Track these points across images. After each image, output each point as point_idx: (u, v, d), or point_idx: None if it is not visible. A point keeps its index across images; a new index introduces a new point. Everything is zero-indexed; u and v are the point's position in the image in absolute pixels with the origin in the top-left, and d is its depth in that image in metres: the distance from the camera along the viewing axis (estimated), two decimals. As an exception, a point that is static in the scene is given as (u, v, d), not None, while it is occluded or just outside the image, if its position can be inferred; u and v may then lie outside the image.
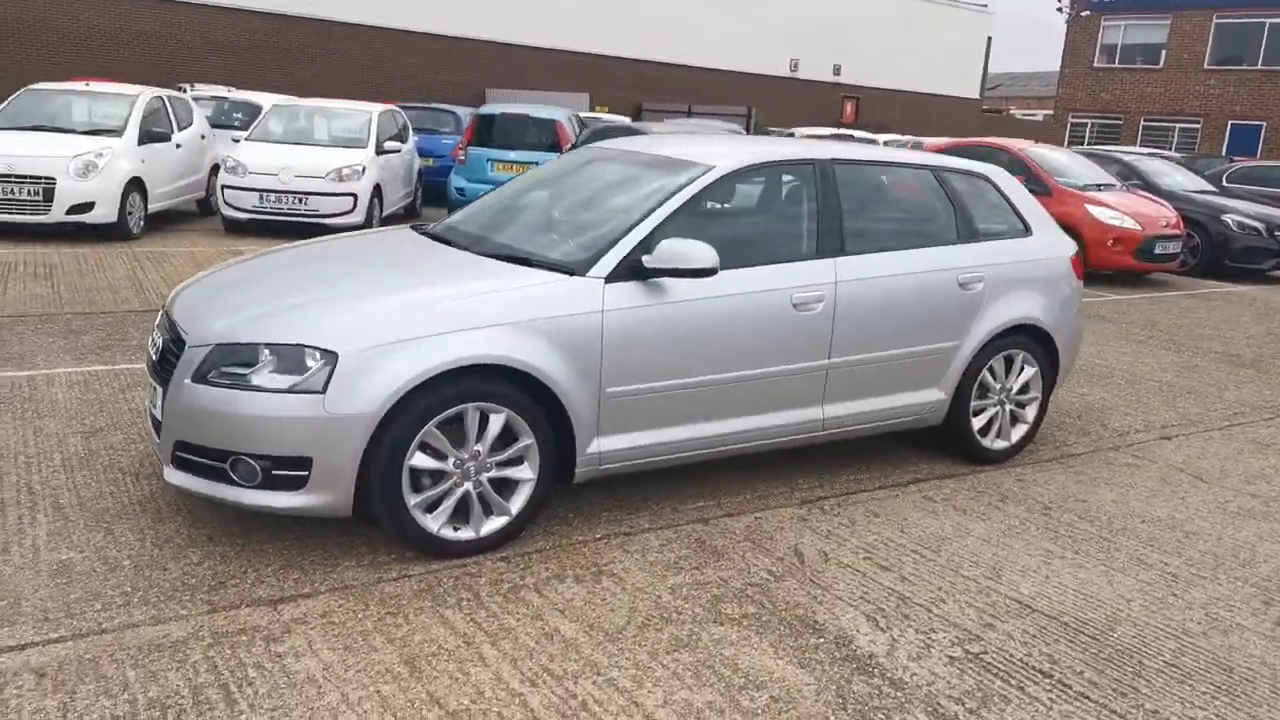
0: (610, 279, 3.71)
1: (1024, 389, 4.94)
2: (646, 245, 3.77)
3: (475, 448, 3.48)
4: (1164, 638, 3.26)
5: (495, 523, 3.59)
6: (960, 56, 43.24)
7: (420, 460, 3.38)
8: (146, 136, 10.69)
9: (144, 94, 11.06)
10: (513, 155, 12.57)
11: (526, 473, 3.60)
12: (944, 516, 4.19)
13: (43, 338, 6.13)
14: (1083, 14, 31.47)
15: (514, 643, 2.98)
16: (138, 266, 8.81)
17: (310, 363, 3.25)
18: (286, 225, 11.32)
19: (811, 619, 3.24)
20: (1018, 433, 4.98)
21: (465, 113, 15.88)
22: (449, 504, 3.48)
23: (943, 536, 3.98)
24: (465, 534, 3.53)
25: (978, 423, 4.81)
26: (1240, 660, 3.14)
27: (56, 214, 9.62)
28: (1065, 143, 32.10)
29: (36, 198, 9.58)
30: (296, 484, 3.27)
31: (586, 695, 2.73)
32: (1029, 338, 4.87)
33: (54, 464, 4.13)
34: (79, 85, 11.14)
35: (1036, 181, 11.81)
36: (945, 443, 4.91)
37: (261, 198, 10.84)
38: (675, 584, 3.43)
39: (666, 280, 3.81)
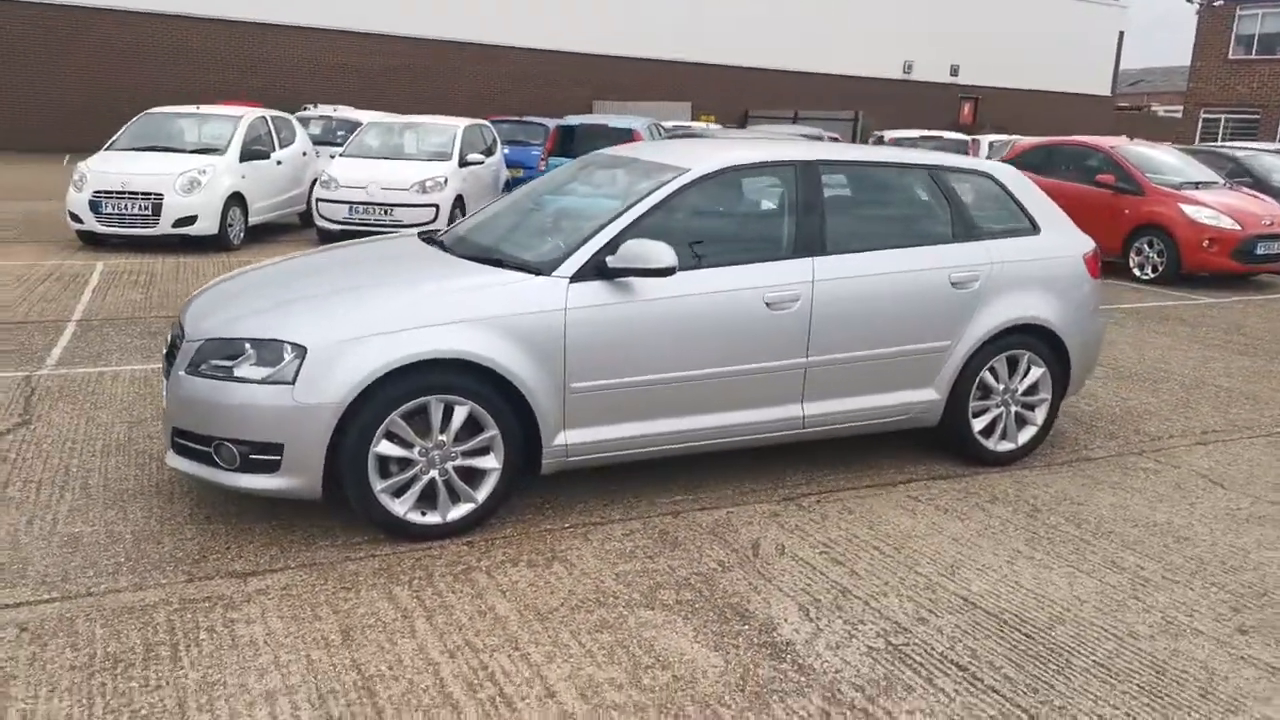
0: (576, 278, 3.87)
1: (1031, 390, 4.85)
2: (613, 246, 3.92)
3: (440, 438, 3.70)
4: (1104, 639, 3.19)
5: (461, 509, 3.80)
6: (1090, 52, 41.50)
7: (386, 448, 3.62)
8: (247, 154, 11.45)
9: (247, 115, 11.86)
10: (593, 164, 12.86)
11: (492, 462, 3.80)
12: (921, 515, 4.17)
13: (123, 338, 6.71)
14: (1215, 4, 29.73)
15: (448, 618, 3.18)
16: (229, 275, 9.48)
17: (283, 356, 3.54)
18: (374, 235, 11.90)
19: (743, 607, 3.32)
20: (1025, 435, 4.88)
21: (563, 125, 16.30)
22: (415, 490, 3.71)
23: (911, 534, 3.97)
24: (432, 519, 3.76)
25: (979, 424, 4.75)
26: (1179, 664, 3.06)
27: (164, 227, 10.44)
28: (1196, 139, 30.37)
29: (146, 212, 10.41)
30: (270, 468, 3.56)
31: (497, 667, 2.90)
32: (1035, 338, 4.77)
33: (95, 449, 4.57)
34: (190, 108, 12.03)
35: (1129, 180, 11.36)
36: (946, 444, 4.86)
37: (351, 209, 11.46)
38: (622, 571, 3.56)
39: (635, 280, 3.95)
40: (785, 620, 3.24)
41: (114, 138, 11.55)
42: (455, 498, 3.80)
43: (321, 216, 11.63)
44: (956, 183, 4.75)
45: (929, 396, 4.60)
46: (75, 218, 10.51)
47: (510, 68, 30.14)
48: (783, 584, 3.50)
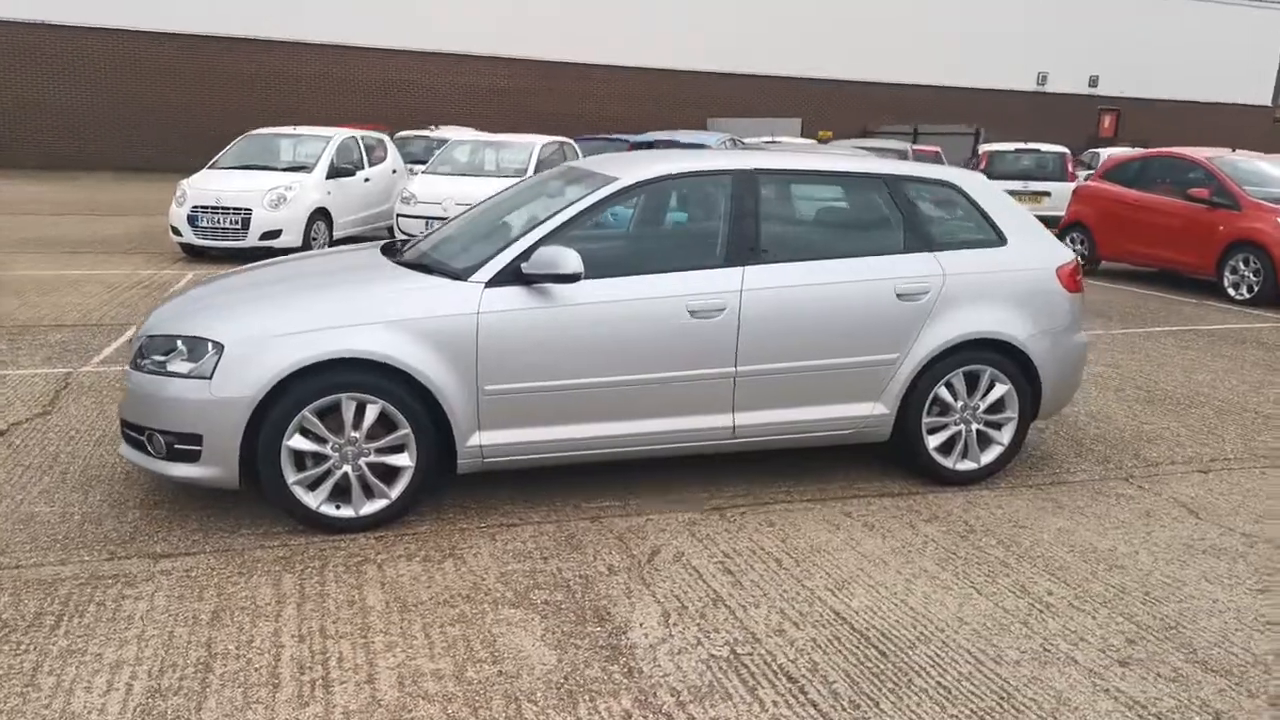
0: (492, 283, 3.99)
1: (995, 408, 4.66)
2: (528, 254, 4.02)
3: (352, 434, 3.88)
4: (963, 662, 3.06)
5: (375, 505, 3.96)
6: (1247, 59, 38.87)
7: (299, 442, 3.82)
8: (335, 171, 12.12)
9: (337, 135, 12.56)
10: (666, 180, 12.97)
11: (405, 460, 3.95)
12: (843, 530, 4.08)
13: (170, 341, 7.23)
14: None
15: (318, 605, 3.34)
16: (299, 285, 10.05)
17: (205, 352, 3.79)
18: (451, 249, 12.37)
19: (607, 610, 3.34)
20: (989, 455, 4.68)
21: (640, 141, 16.52)
22: (329, 484, 3.90)
23: (821, 549, 3.89)
24: (345, 512, 3.93)
25: (934, 440, 4.59)
26: (1030, 692, 2.90)
27: (251, 239, 11.16)
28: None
29: (237, 226, 11.16)
30: (191, 457, 3.81)
31: (336, 653, 3.03)
32: (998, 353, 4.59)
33: (91, 439, 4.98)
34: (289, 129, 12.83)
35: (1225, 194, 10.65)
36: (900, 461, 4.72)
37: (427, 224, 11.94)
38: (509, 570, 3.64)
39: (555, 286, 4.04)
40: (640, 625, 3.25)
41: (217, 156, 12.43)
42: (370, 493, 3.96)
43: (401, 231, 12.17)
44: (914, 193, 4.63)
45: (875, 411, 4.48)
46: (175, 231, 11.37)
47: (625, 87, 30.65)
48: (659, 590, 3.50)
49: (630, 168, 4.39)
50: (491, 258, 4.06)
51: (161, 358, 3.88)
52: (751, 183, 4.39)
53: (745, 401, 4.30)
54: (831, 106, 32.40)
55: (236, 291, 4.15)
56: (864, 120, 32.47)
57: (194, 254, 11.72)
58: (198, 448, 3.79)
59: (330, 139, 12.41)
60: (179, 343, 3.87)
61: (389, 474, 3.98)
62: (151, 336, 3.96)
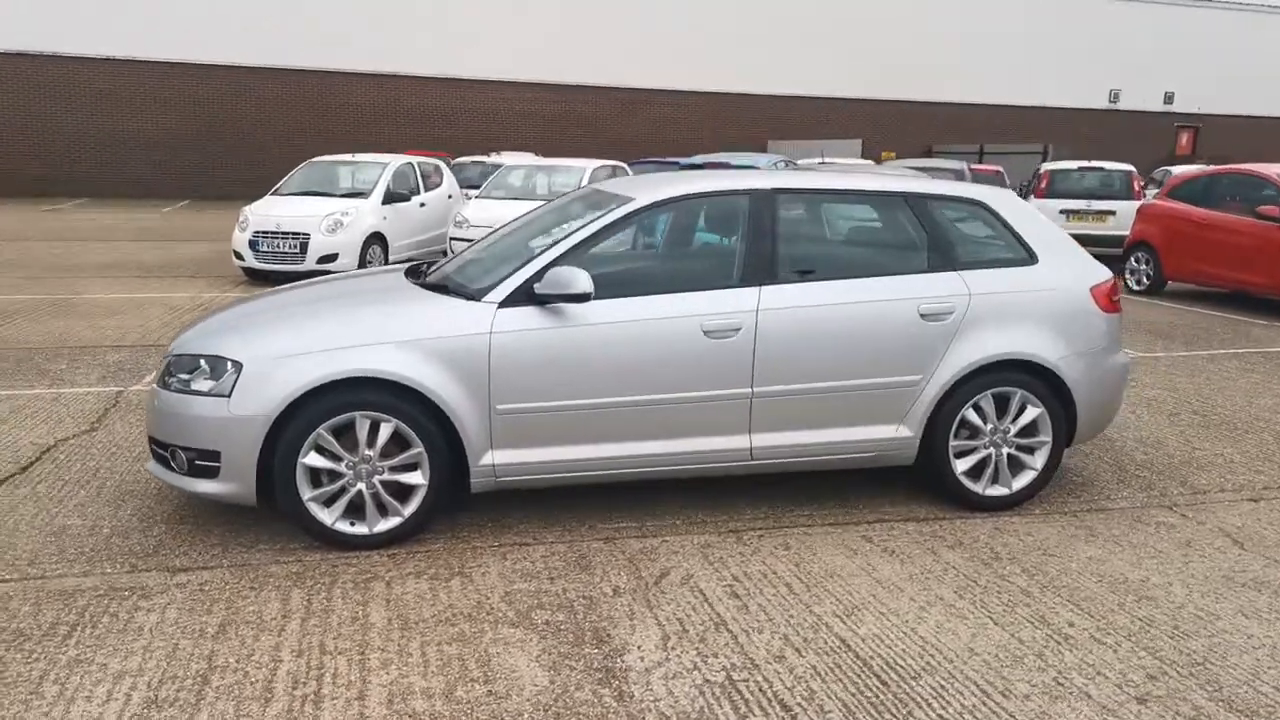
0: (505, 304, 4.01)
1: (1028, 431, 4.51)
2: (542, 274, 4.03)
3: (366, 452, 3.92)
4: (968, 694, 2.95)
5: (389, 522, 3.99)
6: (1335, 73, 37.41)
7: (314, 459, 3.88)
8: (390, 197, 12.38)
9: (394, 161, 12.83)
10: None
11: (418, 479, 3.98)
12: (861, 556, 3.98)
13: (220, 361, 7.43)
14: None
15: (321, 621, 3.36)
16: (352, 307, 10.25)
17: (225, 370, 3.88)
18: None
19: (606, 633, 3.30)
20: (1021, 480, 4.53)
21: (689, 164, 16.55)
22: (343, 501, 3.94)
23: (835, 574, 3.80)
24: (360, 529, 3.97)
25: (962, 465, 4.47)
26: (1036, 727, 2.78)
27: (309, 263, 11.43)
28: None
29: (295, 250, 11.45)
30: (211, 473, 3.89)
31: (332, 667, 3.05)
32: (1029, 375, 4.45)
33: (130, 455, 5.13)
34: (347, 157, 13.15)
35: (1296, 212, 10.22)
36: (929, 485, 4.60)
37: (479, 247, 12.10)
38: (515, 590, 3.63)
39: (569, 306, 4.04)
40: (638, 648, 3.20)
41: (279, 184, 12.79)
42: (384, 511, 4.00)
43: (454, 254, 12.35)
44: (939, 211, 4.53)
45: (899, 433, 4.38)
46: (238, 255, 11.71)
47: (687, 112, 30.78)
48: (662, 613, 3.45)
49: (647, 189, 4.38)
50: (505, 279, 4.09)
51: (186, 376, 3.98)
52: (770, 202, 4.35)
53: (763, 423, 4.24)
54: (895, 127, 32.08)
55: (260, 313, 4.24)
56: (928, 140, 32.07)
57: (255, 278, 12.05)
58: (217, 464, 3.87)
59: (386, 165, 12.68)
60: (202, 361, 3.96)
61: (403, 492, 4.01)
62: (178, 356, 4.06)
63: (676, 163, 13.46)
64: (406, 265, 5.08)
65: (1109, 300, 4.61)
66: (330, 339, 3.89)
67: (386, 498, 3.97)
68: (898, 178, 4.63)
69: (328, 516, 3.93)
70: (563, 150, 29.10)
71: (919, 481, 4.83)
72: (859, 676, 3.04)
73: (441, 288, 4.27)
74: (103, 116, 26.78)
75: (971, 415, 4.42)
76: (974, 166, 16.69)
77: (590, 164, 13.28)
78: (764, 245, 4.28)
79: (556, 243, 4.17)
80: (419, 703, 2.87)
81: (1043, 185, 14.62)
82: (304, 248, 11.42)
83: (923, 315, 4.32)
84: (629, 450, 4.15)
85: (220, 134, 27.57)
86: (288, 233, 11.47)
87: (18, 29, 25.64)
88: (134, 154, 27.06)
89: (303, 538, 4.08)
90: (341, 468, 3.91)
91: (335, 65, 28.03)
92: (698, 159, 13.56)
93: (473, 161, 16.99)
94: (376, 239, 12.03)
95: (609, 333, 4.05)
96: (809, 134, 30.79)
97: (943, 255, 4.46)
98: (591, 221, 4.22)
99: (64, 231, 17.30)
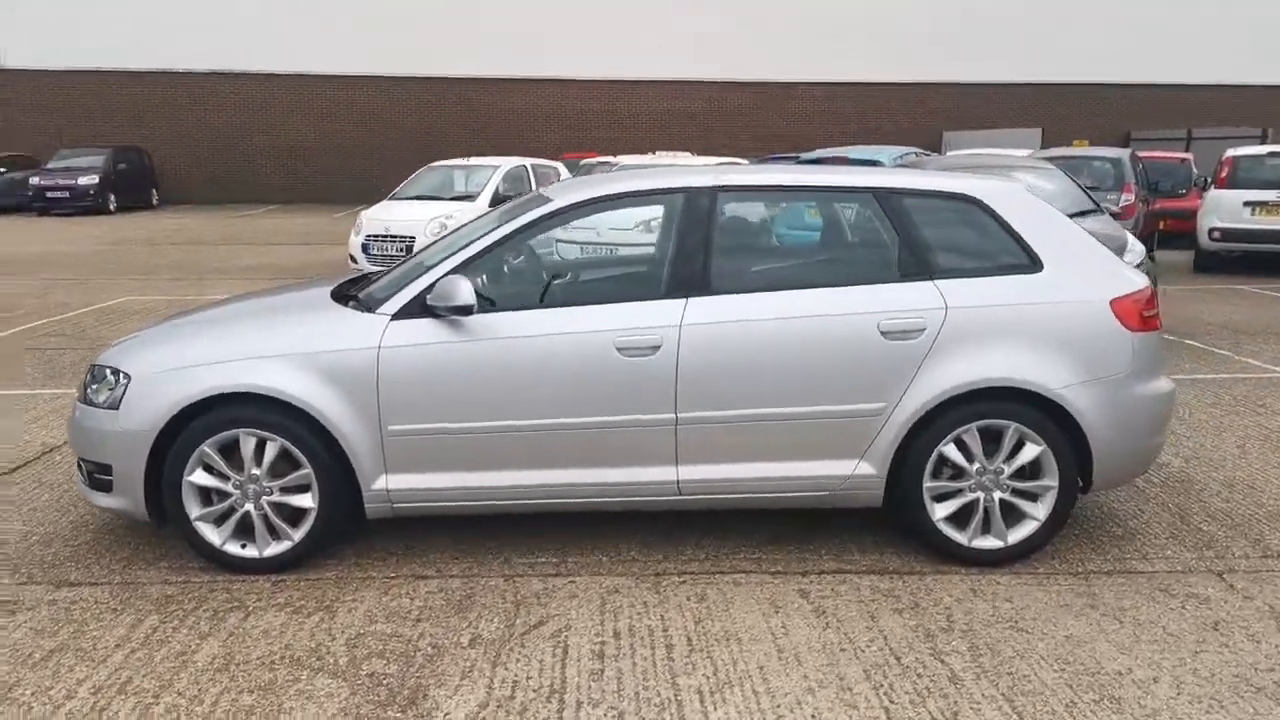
0: (399, 315, 3.70)
1: (1029, 474, 3.75)
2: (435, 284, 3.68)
3: (253, 471, 3.70)
4: (790, 815, 2.35)
5: (279, 546, 3.76)
6: None
7: (201, 478, 3.70)
8: (499, 199, 12.37)
9: (505, 164, 12.86)
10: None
11: (308, 502, 3.72)
12: (779, 616, 3.38)
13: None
14: None
15: (146, 655, 3.15)
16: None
17: (117, 383, 3.77)
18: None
19: (426, 692, 2.92)
20: (1020, 531, 3.77)
21: (808, 159, 15.67)
22: (233, 522, 3.75)
23: (733, 637, 3.24)
24: (250, 552, 3.76)
25: (942, 510, 3.76)
26: None
27: (415, 266, 11.60)
28: None
29: (402, 252, 11.63)
30: (106, 487, 3.79)
31: (114, 710, 2.83)
32: (1027, 405, 3.69)
33: (116, 460, 5.18)
34: (462, 161, 13.30)
35: None
36: (908, 533, 3.91)
37: (582, 249, 11.89)
38: (366, 633, 3.30)
39: (466, 320, 3.68)
40: (445, 715, 2.79)
41: (397, 189, 13.09)
42: (275, 534, 3.77)
43: (558, 255, 12.21)
44: (917, 210, 3.83)
45: (859, 471, 3.73)
46: (352, 258, 12.04)
47: (853, 105, 29.58)
48: (504, 672, 3.02)
49: (569, 191, 3.94)
50: (404, 288, 3.77)
51: (95, 387, 3.90)
52: (707, 202, 3.80)
53: (692, 454, 3.71)
54: (1087, 113, 29.52)
55: (171, 325, 4.12)
56: (1126, 125, 29.28)
57: (372, 279, 12.36)
58: (109, 478, 3.76)
59: (497, 168, 12.71)
60: (107, 373, 3.87)
61: (296, 516, 3.77)
62: (94, 366, 4.00)
63: (794, 158, 12.72)
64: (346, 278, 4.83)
65: (1139, 316, 3.76)
66: (215, 353, 3.69)
67: (276, 520, 3.74)
68: (869, 172, 3.96)
69: (217, 537, 3.74)
70: (725, 148, 28.61)
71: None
72: (671, 776, 2.51)
73: (354, 299, 4.00)
74: (287, 129, 28.69)
75: (953, 452, 3.71)
76: (1149, 155, 14.97)
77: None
78: (695, 251, 3.75)
79: (461, 249, 3.81)
80: (166, 762, 2.59)
81: (1223, 174, 12.85)
82: (409, 250, 11.57)
83: (884, 333, 3.65)
84: (539, 479, 3.73)
85: (389, 141, 28.91)
86: (395, 236, 11.67)
87: (214, 48, 27.90)
88: (313, 162, 28.84)
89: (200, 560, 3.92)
90: (229, 487, 3.71)
91: (496, 73, 28.83)
92: (816, 154, 12.77)
93: (599, 164, 16.85)
94: (483, 241, 12.05)
95: (511, 348, 3.65)
96: (988, 124, 28.84)
97: (917, 261, 3.76)
98: (500, 227, 3.83)
99: (236, 235, 18.54)
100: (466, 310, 3.56)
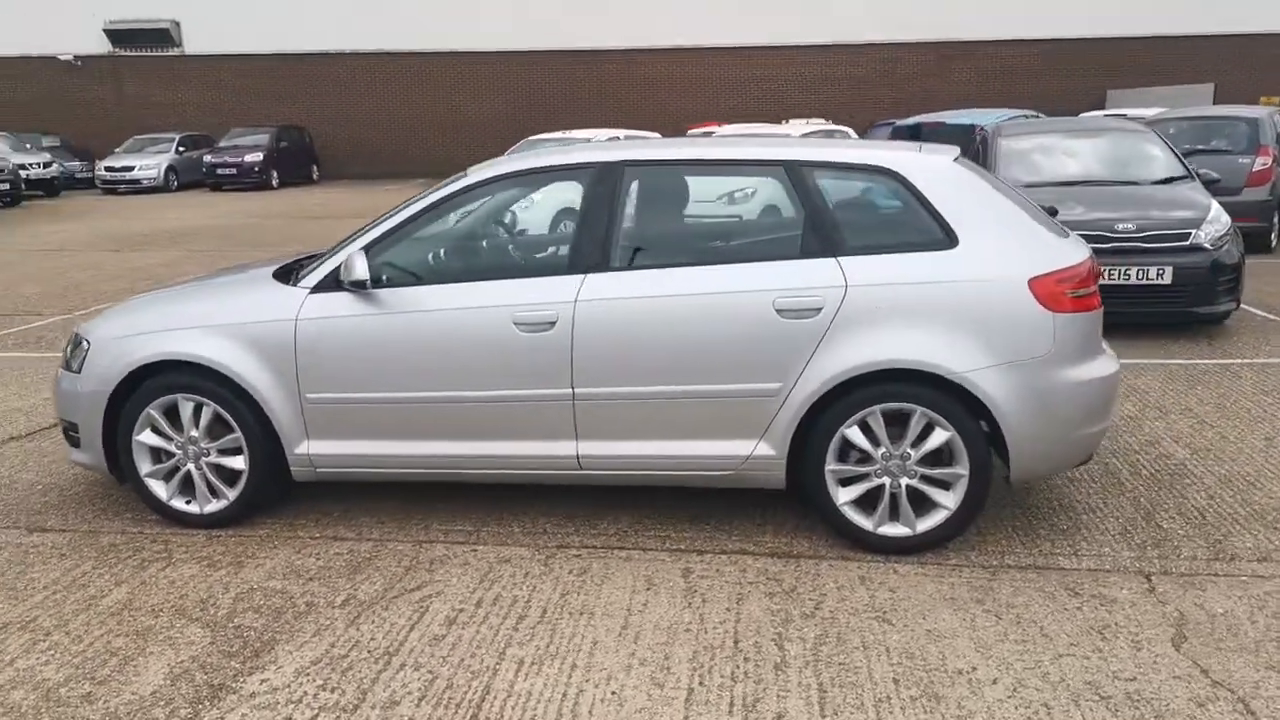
0: (318, 289, 3.89)
1: (937, 460, 3.57)
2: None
3: (192, 433, 4.00)
4: (526, 788, 2.39)
5: (218, 504, 4.05)
6: None
7: (149, 438, 4.03)
8: (590, 171, 12.56)
9: (597, 136, 12.98)
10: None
11: (241, 464, 3.99)
12: (647, 593, 3.38)
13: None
14: None
15: (62, 597, 3.48)
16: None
17: (81, 348, 4.14)
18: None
19: (271, 647, 3.11)
20: (930, 520, 3.60)
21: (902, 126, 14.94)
22: (176, 479, 4.06)
23: (586, 612, 3.26)
24: (193, 508, 4.07)
25: (846, 494, 3.64)
26: None
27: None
28: None
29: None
30: (76, 443, 4.18)
31: (6, 644, 3.15)
32: (932, 389, 3.51)
33: (143, 419, 5.66)
34: (560, 134, 13.52)
35: None
36: (820, 518, 3.80)
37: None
38: (259, 588, 3.52)
39: (382, 293, 3.83)
40: (277, 668, 2.97)
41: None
42: (215, 492, 4.06)
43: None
44: (827, 184, 3.67)
45: (759, 451, 3.65)
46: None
47: (1007, 61, 27.98)
48: (353, 633, 3.17)
49: (484, 168, 4.00)
50: (325, 263, 3.95)
51: (72, 351, 4.30)
52: (612, 177, 3.78)
53: (590, 430, 3.74)
54: (1269, 65, 26.80)
55: (142, 296, 4.46)
56: (1322, 81, 26.41)
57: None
58: (77, 435, 4.15)
59: (589, 140, 12.84)
60: (82, 340, 4.25)
61: (233, 476, 4.04)
62: (74, 333, 4.40)
63: (891, 124, 12.26)
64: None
65: (1063, 295, 3.48)
66: (155, 323, 4.00)
67: (214, 479, 4.03)
68: (793, 144, 3.81)
69: (164, 492, 4.07)
70: (864, 112, 27.70)
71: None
72: (441, 741, 2.59)
73: (295, 275, 4.22)
74: (439, 105, 29.83)
75: (856, 435, 3.58)
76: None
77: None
78: (597, 227, 3.74)
79: (374, 225, 3.95)
80: (20, 694, 2.88)
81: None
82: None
83: (779, 311, 3.54)
84: (449, 450, 3.86)
85: (534, 114, 29.56)
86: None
87: (370, 31, 29.31)
88: (463, 135, 29.85)
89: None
90: (172, 447, 4.02)
91: (632, 44, 28.92)
92: (914, 120, 12.25)
93: (703, 132, 16.74)
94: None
95: (417, 322, 3.77)
96: (1155, 80, 26.63)
97: (821, 238, 3.62)
98: (413, 203, 3.94)
99: (375, 208, 19.45)
100: (361, 285, 3.70)
